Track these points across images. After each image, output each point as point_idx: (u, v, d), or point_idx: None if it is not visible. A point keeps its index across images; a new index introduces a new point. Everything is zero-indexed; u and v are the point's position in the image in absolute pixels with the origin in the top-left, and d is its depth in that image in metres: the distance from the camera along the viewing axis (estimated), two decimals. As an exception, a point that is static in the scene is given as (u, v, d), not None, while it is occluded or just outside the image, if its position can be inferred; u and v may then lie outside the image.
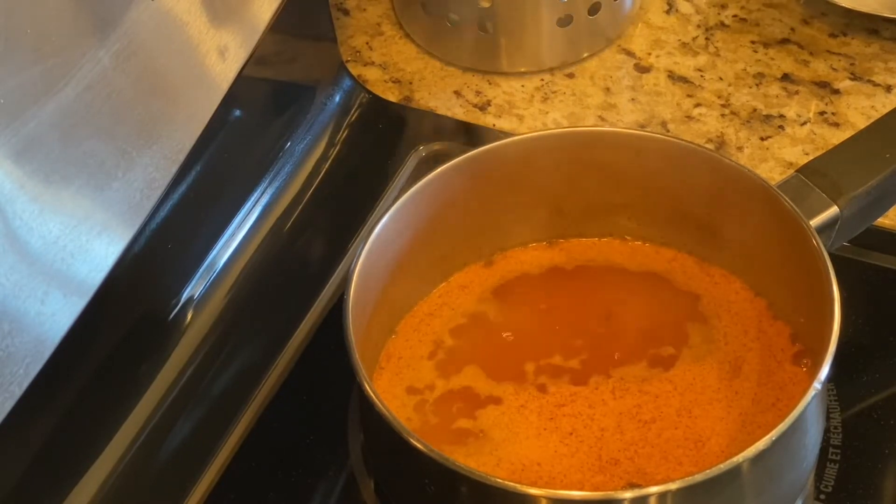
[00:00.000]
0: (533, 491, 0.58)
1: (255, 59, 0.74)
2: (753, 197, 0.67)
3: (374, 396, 0.60)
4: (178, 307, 0.77)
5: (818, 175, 0.67)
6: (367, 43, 0.95)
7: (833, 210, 0.66)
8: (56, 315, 0.61)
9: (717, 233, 0.71)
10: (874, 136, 0.70)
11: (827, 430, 0.68)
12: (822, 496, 0.68)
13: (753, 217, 0.68)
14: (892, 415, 0.71)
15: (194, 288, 0.78)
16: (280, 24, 0.76)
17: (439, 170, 0.70)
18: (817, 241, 0.64)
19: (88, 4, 0.62)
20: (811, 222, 0.65)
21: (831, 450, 0.69)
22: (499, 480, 0.57)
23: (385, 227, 0.68)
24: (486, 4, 0.88)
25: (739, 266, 0.71)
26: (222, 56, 0.71)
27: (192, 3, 0.68)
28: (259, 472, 0.71)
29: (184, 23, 0.68)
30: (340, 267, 0.81)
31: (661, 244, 0.73)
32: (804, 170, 0.68)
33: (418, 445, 0.58)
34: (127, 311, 0.73)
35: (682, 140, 0.72)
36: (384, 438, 0.62)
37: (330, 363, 0.76)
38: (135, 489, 0.71)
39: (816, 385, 0.59)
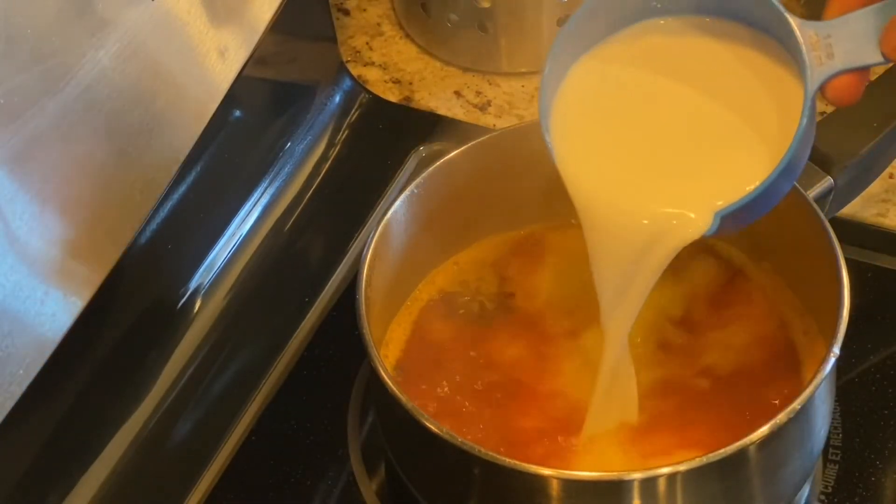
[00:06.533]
0: (544, 471, 0.59)
1: (255, 59, 0.75)
2: None
3: (387, 379, 0.60)
4: (177, 309, 0.77)
5: None
6: (367, 43, 0.95)
7: (827, 181, 0.67)
8: (56, 315, 0.61)
9: None
10: (860, 107, 0.71)
11: (827, 431, 0.68)
12: (822, 496, 0.68)
13: None
14: (892, 415, 0.71)
15: (194, 289, 0.78)
16: (280, 24, 0.77)
17: (448, 157, 0.70)
18: (817, 210, 0.65)
19: (88, 4, 0.62)
20: (807, 193, 0.66)
21: (831, 450, 0.69)
22: (508, 460, 0.58)
23: (396, 212, 0.68)
24: (486, 5, 0.88)
25: (745, 243, 0.71)
26: (222, 56, 0.71)
27: (192, 4, 0.68)
28: (259, 472, 0.71)
29: (184, 23, 0.68)
30: (341, 267, 0.81)
31: None
32: None
33: (432, 427, 0.59)
34: (125, 313, 0.73)
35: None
36: (396, 419, 0.62)
37: (330, 363, 0.76)
38: (136, 488, 0.71)
39: (834, 351, 0.59)
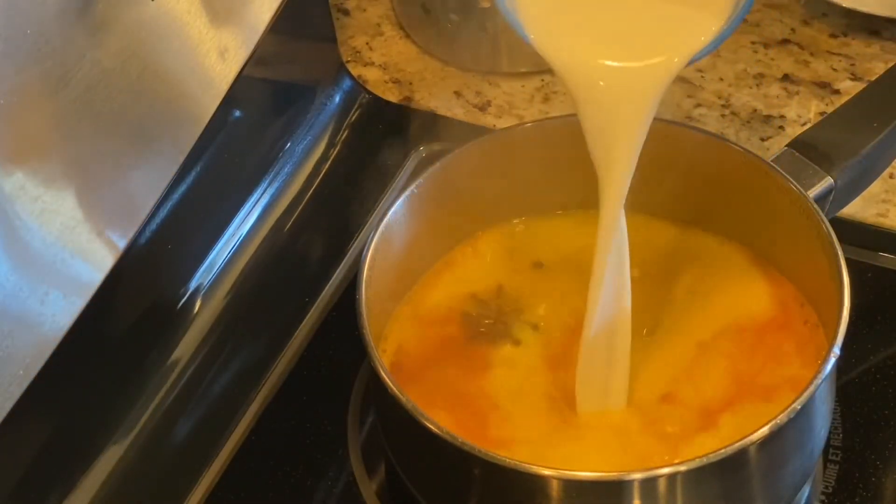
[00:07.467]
0: (544, 471, 0.59)
1: (255, 59, 0.74)
2: (752, 174, 0.68)
3: (387, 379, 0.60)
4: (177, 309, 0.77)
5: (809, 148, 0.68)
6: (367, 43, 0.95)
7: (827, 181, 0.67)
8: (56, 315, 0.61)
9: (720, 209, 0.71)
10: (860, 107, 0.71)
11: (827, 431, 0.69)
12: (823, 496, 0.68)
13: (754, 193, 0.69)
14: (893, 415, 0.71)
15: (194, 289, 0.78)
16: (280, 24, 0.76)
17: (448, 157, 0.70)
18: (817, 210, 0.65)
19: (88, 4, 0.62)
20: (807, 193, 0.66)
21: (831, 450, 0.69)
22: (508, 460, 0.58)
23: (396, 212, 0.68)
24: (486, 5, 0.88)
25: (744, 240, 0.71)
26: (222, 56, 0.71)
27: (192, 4, 0.68)
28: (259, 472, 0.71)
29: (184, 23, 0.68)
30: (341, 267, 0.81)
31: (667, 219, 0.73)
32: (794, 144, 0.69)
33: (432, 427, 0.59)
34: (125, 313, 0.73)
35: (677, 123, 0.73)
36: (396, 419, 0.62)
37: (330, 363, 0.76)
38: (136, 488, 0.71)
39: (835, 352, 0.60)
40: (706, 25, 0.58)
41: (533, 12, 0.60)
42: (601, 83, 0.59)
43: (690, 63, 0.59)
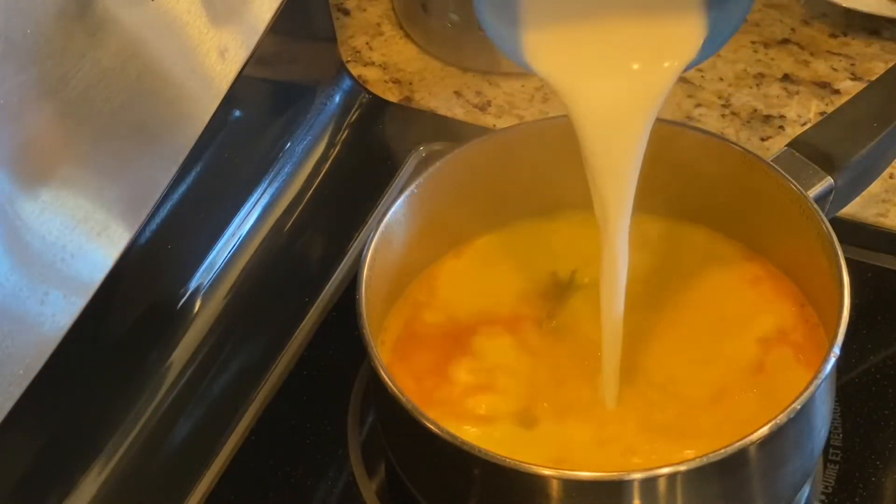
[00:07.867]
0: (544, 471, 0.59)
1: (255, 59, 0.74)
2: (752, 174, 0.68)
3: (387, 379, 0.60)
4: (177, 309, 0.77)
5: (809, 148, 0.69)
6: (367, 43, 0.95)
7: (827, 181, 0.67)
8: (56, 315, 0.61)
9: (720, 209, 0.71)
10: (860, 107, 0.71)
11: (827, 431, 0.69)
12: (823, 496, 0.68)
13: (754, 193, 0.69)
14: (893, 415, 0.71)
15: (194, 289, 0.78)
16: (280, 24, 0.76)
17: (448, 157, 0.70)
18: (817, 210, 0.65)
19: (88, 4, 0.62)
20: (807, 193, 0.66)
21: (831, 450, 0.69)
22: (508, 460, 0.58)
23: (396, 212, 0.68)
24: (486, 5, 0.88)
25: (745, 238, 0.72)
26: (222, 56, 0.71)
27: (192, 3, 0.68)
28: (259, 472, 0.71)
29: (184, 23, 0.68)
30: (341, 267, 0.81)
31: (667, 218, 0.73)
32: (794, 144, 0.69)
33: (432, 427, 0.59)
34: (125, 313, 0.73)
35: (677, 123, 0.73)
36: (396, 419, 0.62)
37: (330, 363, 0.76)
38: (136, 488, 0.71)
39: (835, 352, 0.60)
40: (691, 39, 0.59)
41: (531, 46, 0.60)
42: (602, 105, 0.61)
43: (687, 70, 0.59)
